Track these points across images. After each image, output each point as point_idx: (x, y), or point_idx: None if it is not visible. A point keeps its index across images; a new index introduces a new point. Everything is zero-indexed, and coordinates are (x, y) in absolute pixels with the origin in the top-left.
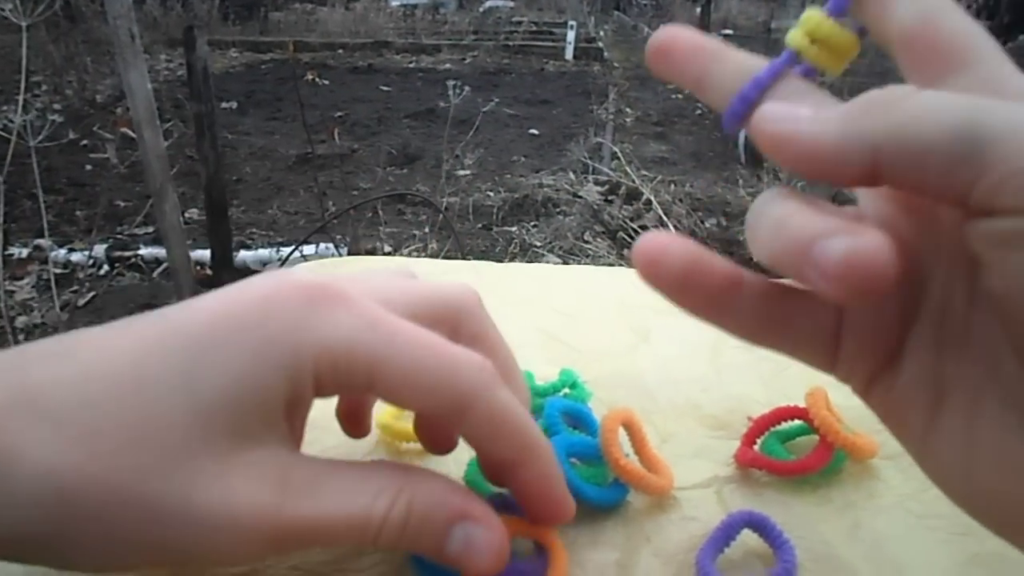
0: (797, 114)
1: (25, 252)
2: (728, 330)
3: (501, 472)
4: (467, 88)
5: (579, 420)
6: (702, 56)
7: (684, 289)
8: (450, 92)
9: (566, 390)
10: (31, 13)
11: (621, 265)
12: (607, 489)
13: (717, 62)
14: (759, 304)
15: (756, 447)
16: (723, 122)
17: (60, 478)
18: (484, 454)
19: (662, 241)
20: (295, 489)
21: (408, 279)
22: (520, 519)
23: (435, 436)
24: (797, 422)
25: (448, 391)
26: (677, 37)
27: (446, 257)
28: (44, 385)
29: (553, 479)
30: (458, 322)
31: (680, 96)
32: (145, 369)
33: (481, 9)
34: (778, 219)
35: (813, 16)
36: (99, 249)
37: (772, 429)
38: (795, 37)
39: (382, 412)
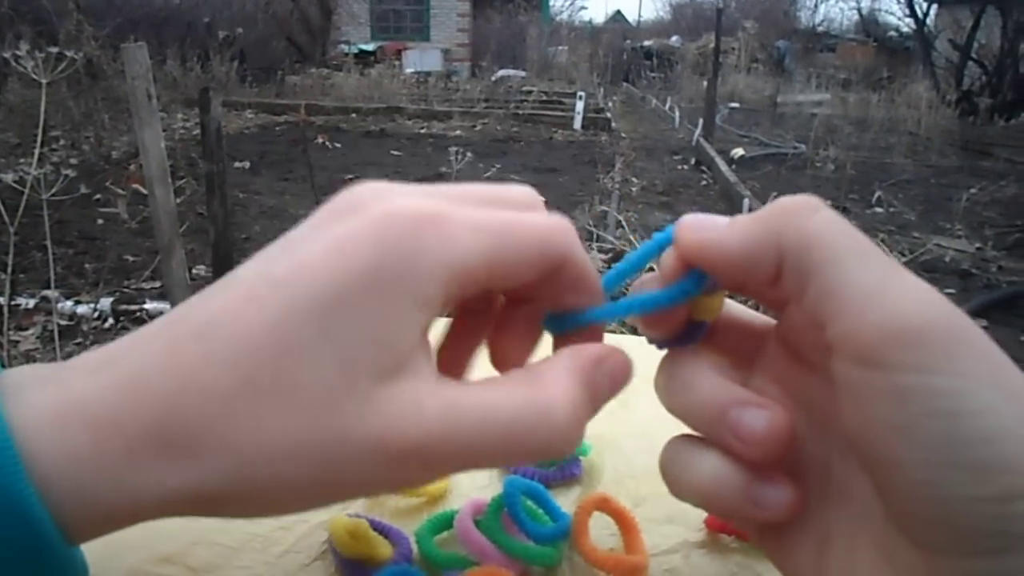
0: (715, 222)
1: (32, 303)
2: None
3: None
4: (469, 154)
5: (539, 502)
6: None
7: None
8: (452, 159)
9: None
10: (52, 71)
11: (622, 333)
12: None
13: None
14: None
15: None
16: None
17: (240, 451)
18: (560, 303)
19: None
20: (430, 416)
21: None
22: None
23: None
24: None
25: (550, 259)
26: None
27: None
28: (202, 367)
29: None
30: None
31: (685, 167)
32: (283, 337)
33: (493, 78)
34: (686, 382)
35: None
36: (105, 302)
37: None
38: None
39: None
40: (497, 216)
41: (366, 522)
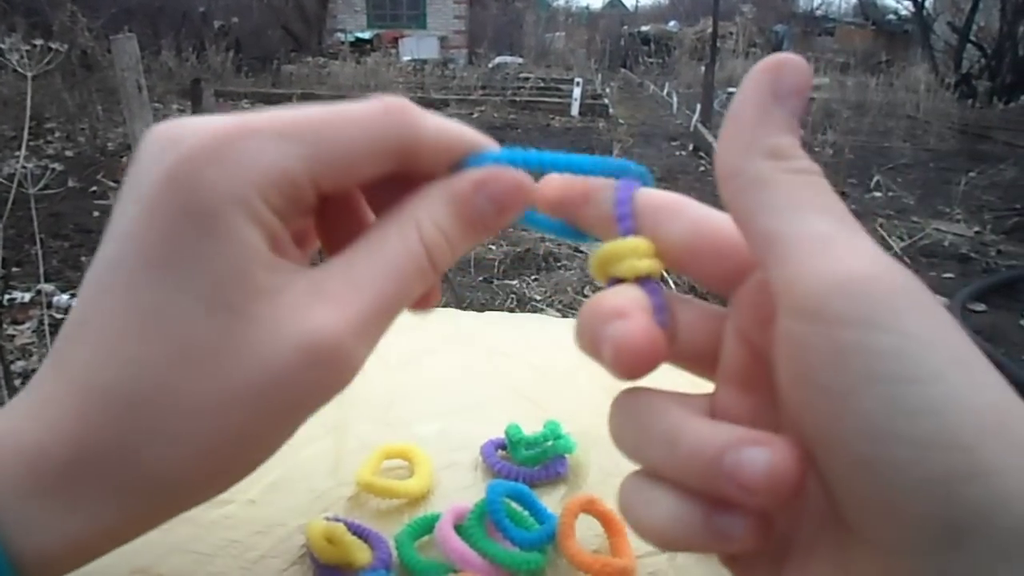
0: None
1: (28, 297)
2: None
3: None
4: None
5: (522, 502)
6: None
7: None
8: None
9: (550, 442)
10: (38, 64)
11: None
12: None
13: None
14: None
15: None
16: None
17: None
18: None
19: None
20: (337, 293)
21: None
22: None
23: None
24: None
25: (390, 150)
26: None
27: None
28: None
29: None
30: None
31: (683, 153)
32: (142, 304)
33: (490, 65)
34: (668, 434)
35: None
36: None
37: None
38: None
39: (361, 468)
40: (307, 116)
41: (344, 526)
